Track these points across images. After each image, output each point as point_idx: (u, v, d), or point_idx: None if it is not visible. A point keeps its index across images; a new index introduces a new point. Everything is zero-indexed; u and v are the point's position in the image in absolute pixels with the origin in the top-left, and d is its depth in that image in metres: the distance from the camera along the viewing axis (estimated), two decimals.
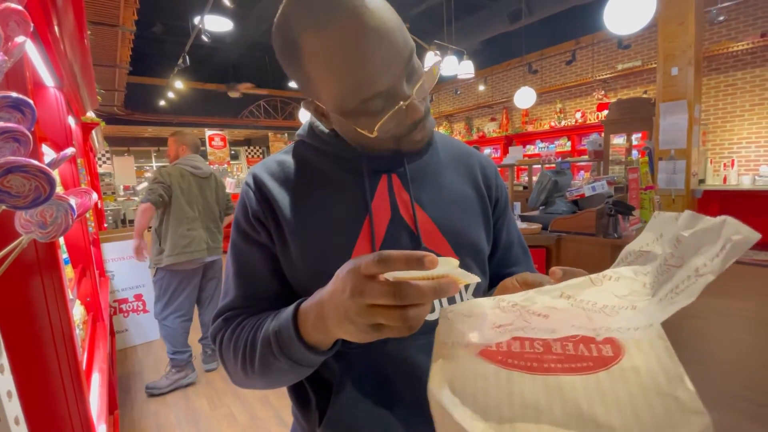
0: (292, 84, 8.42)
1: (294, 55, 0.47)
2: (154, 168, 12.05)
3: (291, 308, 0.46)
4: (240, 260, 0.57)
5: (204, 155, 8.31)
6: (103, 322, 1.79)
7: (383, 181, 0.57)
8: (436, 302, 0.56)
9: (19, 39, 0.56)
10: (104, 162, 11.11)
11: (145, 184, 11.34)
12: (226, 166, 9.51)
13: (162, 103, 8.87)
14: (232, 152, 12.82)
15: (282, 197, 0.56)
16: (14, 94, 0.48)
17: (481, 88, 8.71)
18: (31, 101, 0.50)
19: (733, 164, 5.35)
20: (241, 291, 0.57)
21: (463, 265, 0.57)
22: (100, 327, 1.73)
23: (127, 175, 10.97)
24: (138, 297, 3.06)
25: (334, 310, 0.37)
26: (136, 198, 10.95)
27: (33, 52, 1.20)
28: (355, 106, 0.47)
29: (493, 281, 0.66)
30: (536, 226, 2.49)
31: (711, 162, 5.60)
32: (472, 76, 5.57)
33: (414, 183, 0.58)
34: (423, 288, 0.32)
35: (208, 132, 9.97)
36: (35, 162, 0.47)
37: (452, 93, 9.46)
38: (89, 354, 1.49)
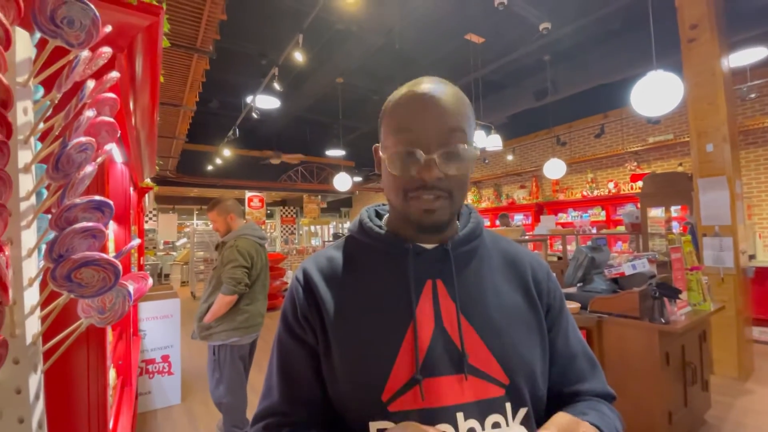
0: (329, 152, 8.92)
1: (384, 109, 0.59)
2: (195, 225, 12.71)
3: None
4: (285, 358, 0.58)
5: (251, 221, 8.72)
6: (131, 387, 1.79)
7: (428, 287, 0.56)
8: None
9: (108, 146, 0.65)
10: (150, 219, 11.87)
11: (184, 240, 11.92)
12: (261, 225, 9.91)
13: (209, 167, 9.61)
14: (268, 212, 13.41)
15: (329, 299, 0.57)
16: (97, 198, 0.55)
17: (510, 157, 8.89)
18: (111, 202, 0.57)
19: None
20: (282, 393, 0.57)
21: (512, 388, 0.54)
22: (127, 392, 1.73)
23: (170, 231, 11.61)
24: (165, 358, 3.07)
25: None
26: (174, 253, 11.45)
27: None
28: (393, 137, 0.55)
29: (555, 400, 0.60)
30: (575, 305, 2.36)
31: (760, 236, 5.27)
32: (500, 148, 5.73)
33: (461, 291, 0.56)
34: None
35: (248, 193, 10.58)
36: (107, 256, 0.53)
37: (480, 161, 9.70)
38: (114, 420, 1.48)
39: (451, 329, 0.54)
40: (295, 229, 14.10)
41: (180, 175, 9.16)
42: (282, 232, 13.81)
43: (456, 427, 0.50)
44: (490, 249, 0.63)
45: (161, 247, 11.82)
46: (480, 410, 0.45)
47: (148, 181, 3.64)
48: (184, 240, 11.90)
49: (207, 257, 9.21)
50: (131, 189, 2.32)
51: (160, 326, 3.06)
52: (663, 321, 2.05)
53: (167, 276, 10.82)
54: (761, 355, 3.76)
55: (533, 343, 0.57)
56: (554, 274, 0.66)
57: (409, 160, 0.52)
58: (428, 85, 0.54)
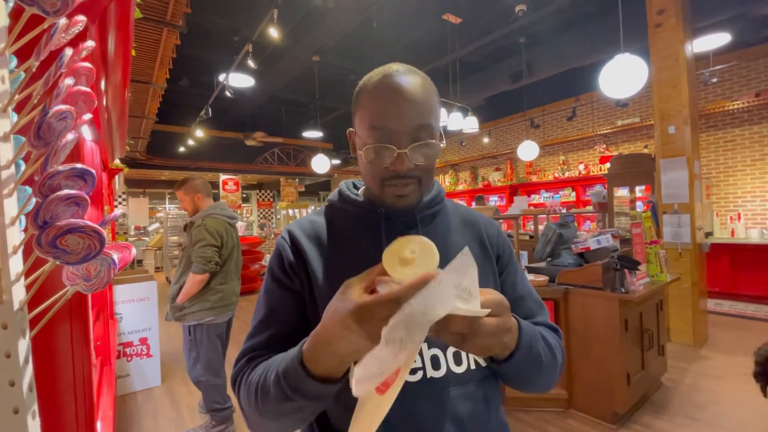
0: (306, 134, 8.78)
1: (358, 95, 0.62)
2: (167, 209, 12.35)
3: (295, 350, 0.51)
4: (273, 305, 0.63)
5: (216, 198, 8.54)
6: (111, 367, 1.79)
7: None
8: (443, 362, 0.61)
9: (86, 116, 0.66)
10: (120, 203, 11.43)
11: (156, 225, 11.57)
12: (236, 209, 9.73)
13: (181, 149, 9.30)
14: (244, 195, 13.16)
15: (312, 252, 0.64)
16: (79, 166, 0.56)
17: (486, 140, 9.02)
18: (93, 171, 0.58)
19: (739, 218, 5.36)
20: (267, 333, 0.62)
21: None
22: (107, 372, 1.73)
23: (141, 215, 11.23)
24: (143, 341, 3.04)
25: (345, 346, 0.45)
26: (146, 238, 11.12)
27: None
28: (368, 131, 0.58)
29: None
30: (543, 278, 2.50)
31: (717, 215, 5.63)
32: (477, 130, 5.82)
33: None
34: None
35: (223, 176, 10.33)
36: (92, 224, 0.54)
37: (458, 144, 9.81)
38: (96, 401, 1.49)
39: None
40: (272, 213, 13.92)
41: (150, 157, 8.83)
42: (258, 216, 13.61)
43: (421, 354, 0.60)
44: (450, 212, 0.73)
45: (132, 232, 11.45)
46: (442, 341, 0.50)
47: (117, 162, 3.51)
48: (157, 225, 11.56)
49: (181, 242, 9.01)
50: (101, 169, 2.25)
51: (137, 309, 3.02)
52: (623, 291, 2.21)
53: (140, 262, 10.53)
54: (715, 325, 4.08)
55: (487, 286, 0.65)
56: (504, 232, 0.78)
57: (384, 153, 0.58)
58: (401, 78, 0.58)
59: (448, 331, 0.46)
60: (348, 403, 0.52)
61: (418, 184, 0.61)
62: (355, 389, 0.43)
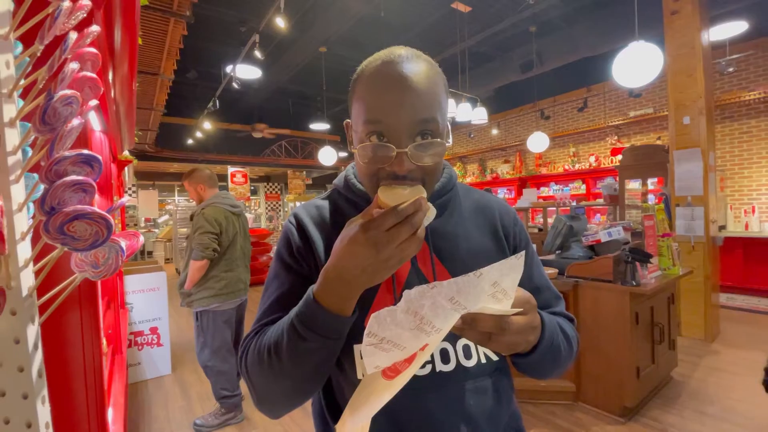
0: (313, 126, 8.78)
1: (355, 82, 0.57)
2: (176, 201, 12.46)
3: (308, 292, 0.51)
4: (282, 289, 0.61)
5: (225, 190, 8.54)
6: (122, 355, 1.82)
7: None
8: (452, 353, 0.60)
9: (92, 103, 0.65)
10: (130, 195, 11.56)
11: (166, 217, 11.70)
12: (245, 201, 9.78)
13: (189, 141, 9.35)
14: (252, 188, 13.20)
15: (318, 239, 0.63)
16: (86, 152, 0.56)
17: (494, 131, 8.92)
18: (99, 157, 0.58)
19: (754, 211, 5.24)
20: (275, 317, 0.59)
21: None
22: (119, 360, 1.76)
23: (150, 207, 11.34)
24: (154, 330, 3.09)
25: (353, 263, 0.45)
26: (156, 230, 11.26)
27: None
28: (363, 126, 0.53)
29: None
30: (553, 270, 2.47)
31: (731, 208, 5.51)
32: (486, 122, 5.74)
33: (434, 236, 0.62)
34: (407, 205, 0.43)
35: (231, 169, 10.37)
36: (99, 210, 0.54)
37: (466, 136, 9.71)
38: (108, 386, 1.51)
39: (425, 269, 0.60)
40: (279, 205, 13.97)
41: (159, 150, 8.89)
42: (266, 209, 13.67)
43: None
44: (462, 200, 0.69)
45: (142, 224, 11.59)
46: (452, 335, 0.48)
47: (126, 153, 3.54)
48: (166, 217, 11.68)
49: (191, 234, 9.09)
50: (111, 160, 2.26)
51: (147, 299, 3.06)
52: (634, 284, 2.17)
53: (150, 253, 10.68)
54: (727, 319, 4.01)
55: None
56: (520, 219, 0.74)
57: (380, 153, 0.52)
58: (403, 65, 0.52)
59: (475, 330, 0.45)
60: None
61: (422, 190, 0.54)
62: (364, 351, 0.42)
